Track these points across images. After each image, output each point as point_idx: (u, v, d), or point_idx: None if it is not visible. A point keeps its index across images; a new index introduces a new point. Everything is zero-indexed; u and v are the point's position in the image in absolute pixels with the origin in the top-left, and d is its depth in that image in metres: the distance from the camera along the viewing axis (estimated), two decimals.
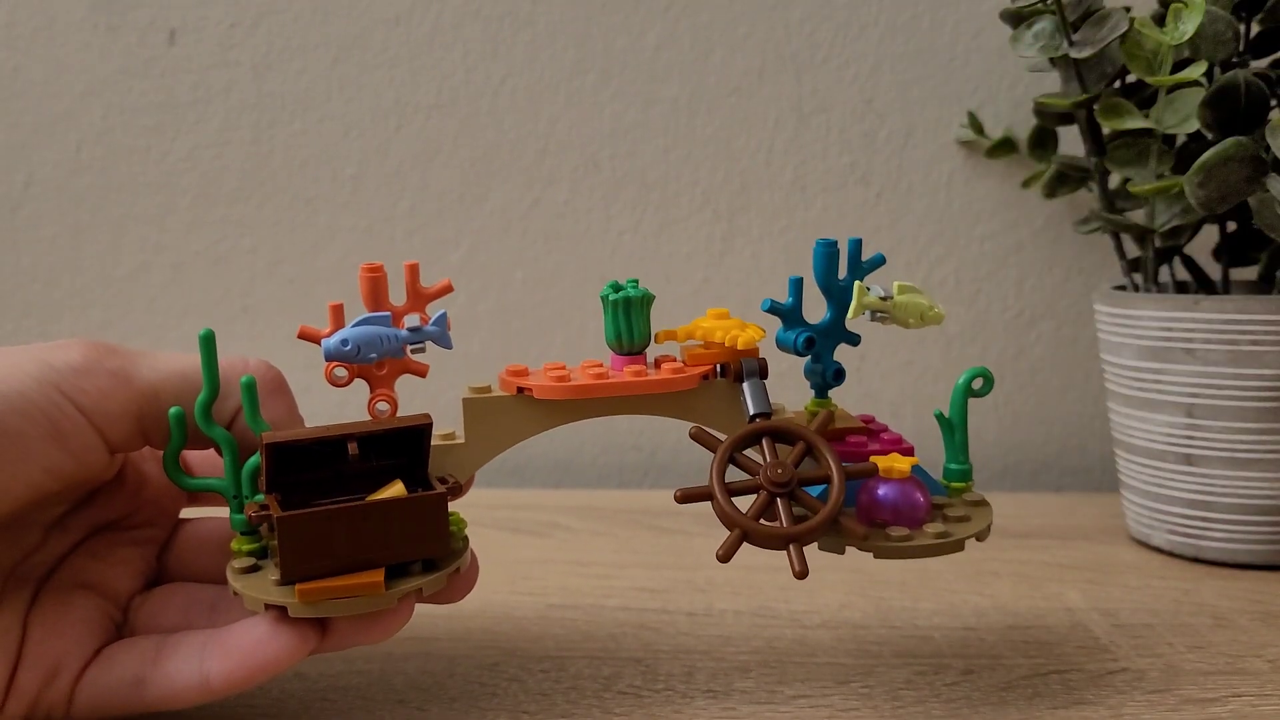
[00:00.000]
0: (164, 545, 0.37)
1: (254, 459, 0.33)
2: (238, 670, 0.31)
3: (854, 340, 0.38)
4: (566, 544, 0.55)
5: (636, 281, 0.36)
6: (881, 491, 0.34)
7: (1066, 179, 0.58)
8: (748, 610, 0.45)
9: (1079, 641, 0.41)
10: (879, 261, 0.37)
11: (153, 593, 0.36)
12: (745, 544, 0.32)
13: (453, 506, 0.35)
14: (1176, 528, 0.51)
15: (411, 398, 0.40)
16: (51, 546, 0.34)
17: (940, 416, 0.37)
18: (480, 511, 0.59)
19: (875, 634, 0.42)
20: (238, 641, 0.31)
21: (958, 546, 0.34)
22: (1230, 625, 0.43)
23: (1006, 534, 0.55)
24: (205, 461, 0.37)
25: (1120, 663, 0.39)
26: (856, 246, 0.37)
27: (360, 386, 0.34)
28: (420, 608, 0.44)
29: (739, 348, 0.35)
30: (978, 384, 0.36)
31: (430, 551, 0.32)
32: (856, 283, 0.35)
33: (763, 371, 0.36)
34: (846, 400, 0.38)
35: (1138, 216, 0.56)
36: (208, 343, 0.32)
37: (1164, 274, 0.54)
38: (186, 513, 0.39)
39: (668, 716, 0.36)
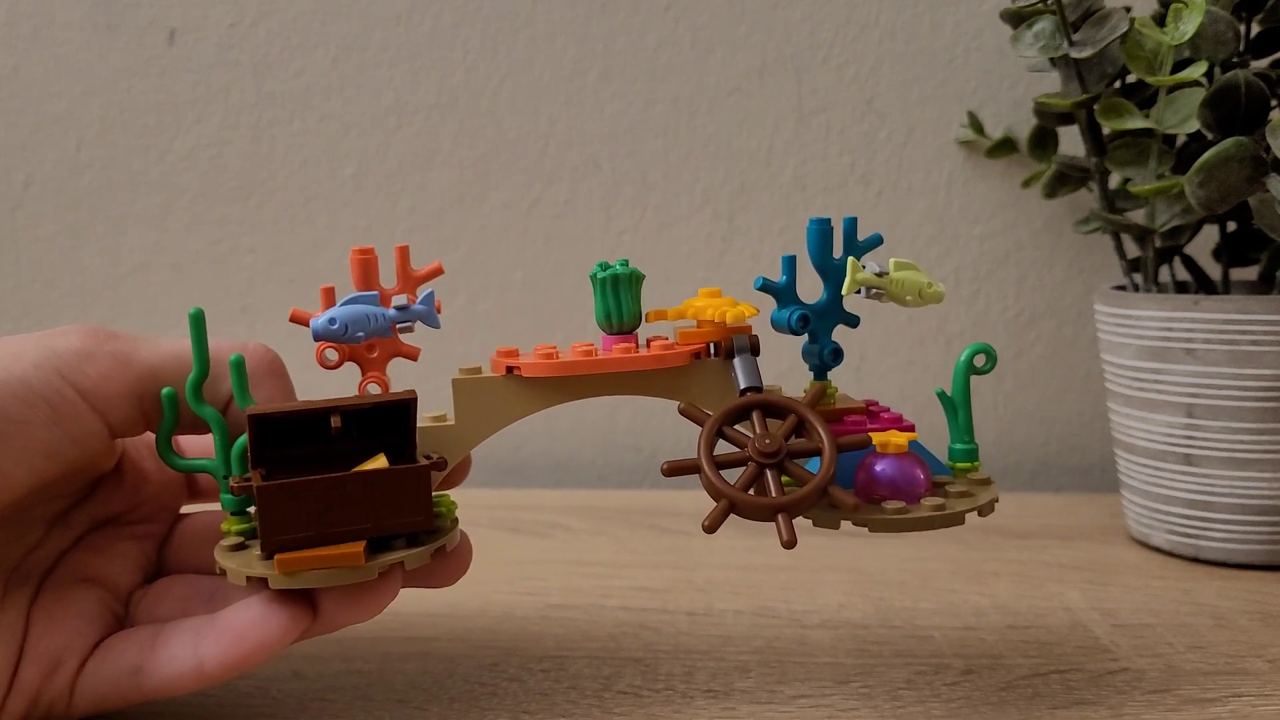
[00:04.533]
0: (164, 540, 0.38)
1: (243, 438, 0.33)
2: (231, 653, 0.31)
3: (852, 321, 0.37)
4: (566, 544, 0.55)
5: (626, 261, 0.36)
6: (879, 467, 0.33)
7: (1066, 179, 0.58)
8: (748, 610, 0.45)
9: (1079, 641, 0.41)
10: (876, 241, 0.37)
11: (153, 585, 0.36)
12: (744, 539, 0.32)
13: (453, 496, 0.36)
14: (1176, 528, 0.51)
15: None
16: (54, 542, 0.35)
17: (942, 395, 0.35)
18: (480, 511, 0.59)
19: (875, 634, 0.42)
20: (230, 624, 0.32)
21: (956, 520, 0.33)
22: (1230, 625, 0.43)
23: (1006, 534, 0.55)
24: (208, 452, 0.37)
25: (1120, 663, 0.39)
26: (852, 225, 0.36)
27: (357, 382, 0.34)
28: (419, 607, 0.44)
29: (728, 322, 0.35)
30: (980, 361, 0.35)
31: (413, 525, 0.32)
32: (850, 258, 0.35)
33: (754, 348, 0.35)
34: (845, 393, 0.38)
35: (1138, 216, 0.56)
36: (197, 322, 0.32)
37: (1164, 274, 0.54)
38: (187, 509, 0.39)
39: (668, 716, 0.36)
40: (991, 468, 0.67)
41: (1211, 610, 0.44)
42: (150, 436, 0.36)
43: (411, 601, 0.43)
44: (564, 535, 0.56)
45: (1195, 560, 0.51)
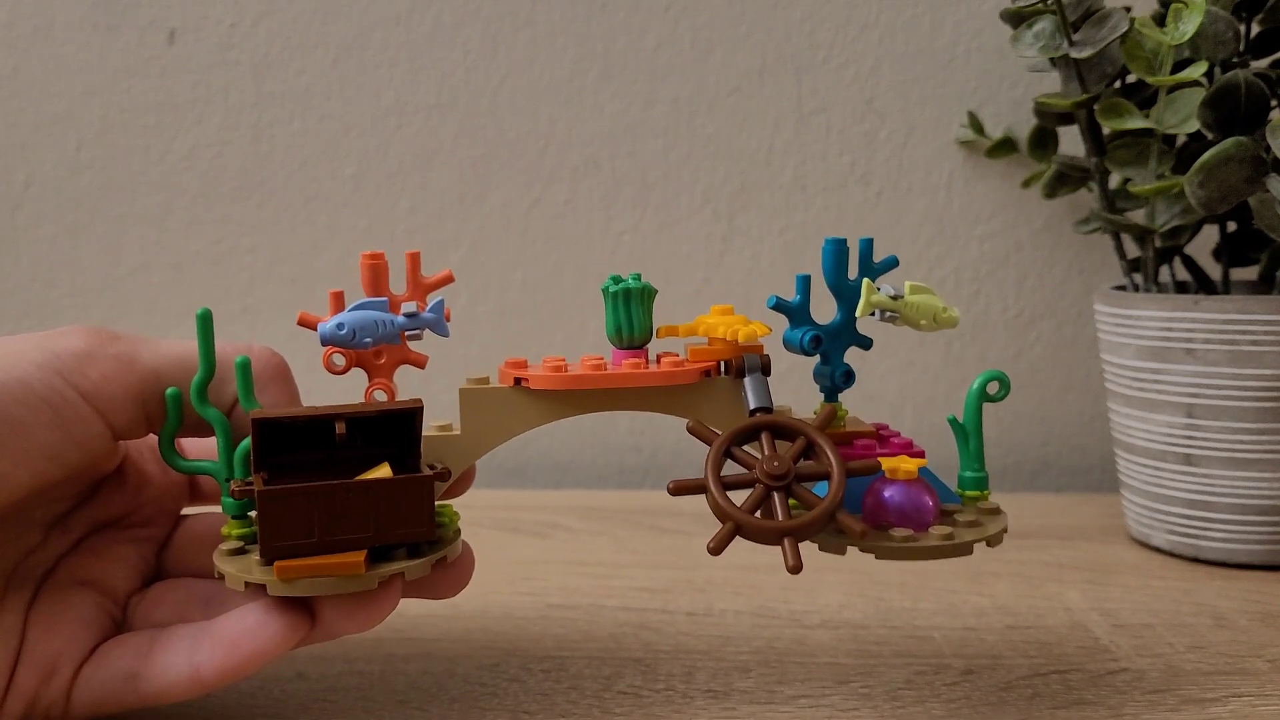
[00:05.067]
0: (163, 543, 0.37)
1: (246, 442, 0.32)
2: (228, 661, 0.31)
3: (865, 343, 0.37)
4: (566, 544, 0.55)
5: (639, 275, 0.35)
6: (887, 494, 0.33)
7: (1066, 179, 0.58)
8: (748, 610, 0.45)
9: (1079, 641, 0.41)
10: (891, 264, 0.36)
11: (151, 589, 0.36)
12: (742, 540, 0.31)
13: (454, 504, 0.36)
14: (1176, 528, 0.51)
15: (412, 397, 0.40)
16: (52, 545, 0.34)
17: (954, 422, 0.35)
18: (480, 512, 0.59)
19: (875, 634, 0.42)
20: (227, 632, 0.31)
21: (964, 550, 0.32)
22: (1230, 625, 0.43)
23: (1007, 534, 0.55)
24: (210, 455, 0.37)
25: (1120, 663, 0.39)
26: (868, 247, 0.36)
27: (363, 387, 0.34)
28: (420, 608, 0.44)
29: (740, 341, 0.34)
30: (993, 388, 0.35)
31: (414, 535, 0.32)
32: (865, 280, 0.35)
33: (765, 367, 0.35)
34: (847, 400, 0.37)
35: (1138, 216, 0.56)
36: (204, 322, 0.32)
37: (1164, 274, 0.54)
38: (188, 511, 0.39)
39: (668, 716, 0.36)
40: (992, 468, 0.67)
41: (1211, 610, 0.44)
42: (152, 438, 0.36)
43: (413, 602, 0.43)
44: (564, 535, 0.57)
45: (1195, 560, 0.51)
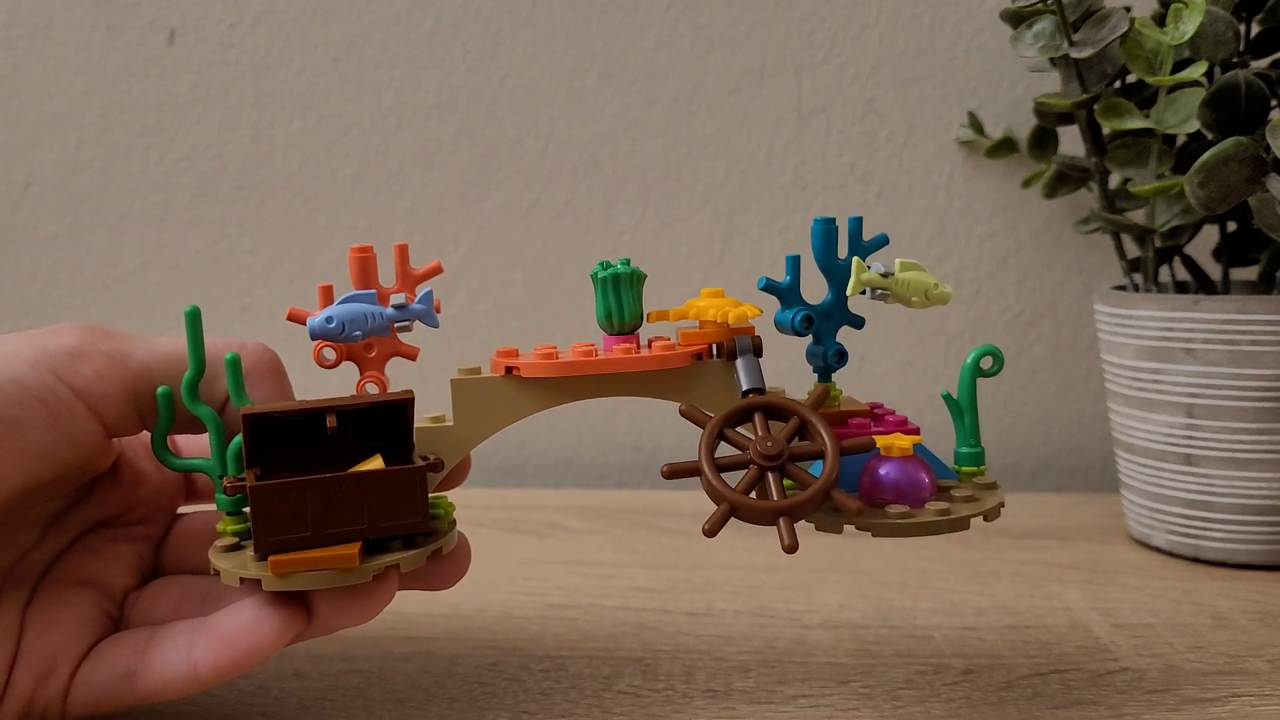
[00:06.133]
0: (160, 540, 0.37)
1: (238, 438, 0.32)
2: (224, 657, 0.31)
3: (857, 323, 0.37)
4: (566, 544, 0.55)
5: (628, 260, 0.35)
6: (883, 471, 0.33)
7: (1066, 179, 0.58)
8: (748, 610, 0.45)
9: (1079, 641, 0.41)
10: (882, 242, 0.36)
11: (148, 587, 0.36)
12: (740, 535, 0.31)
13: (452, 498, 0.36)
14: (1176, 528, 0.51)
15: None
16: (49, 544, 0.34)
17: (948, 398, 0.35)
18: (480, 511, 0.59)
19: (875, 634, 0.42)
20: (223, 628, 0.31)
21: (961, 525, 0.32)
22: (1230, 625, 0.43)
23: (1006, 534, 0.55)
24: (205, 452, 0.37)
25: (1120, 663, 0.39)
26: (857, 225, 0.36)
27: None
28: (419, 607, 0.44)
29: (730, 323, 0.34)
30: (986, 363, 0.35)
31: (408, 527, 0.32)
32: (855, 258, 0.35)
33: (757, 349, 0.35)
34: (846, 391, 0.37)
35: (1138, 216, 0.56)
36: (193, 319, 0.32)
37: (1164, 274, 0.54)
38: (185, 509, 0.39)
39: (668, 716, 0.36)
40: (992, 468, 0.67)
41: (1211, 610, 0.44)
42: (147, 436, 0.36)
43: (412, 601, 0.43)
44: (564, 535, 0.56)
45: (1195, 560, 0.51)
